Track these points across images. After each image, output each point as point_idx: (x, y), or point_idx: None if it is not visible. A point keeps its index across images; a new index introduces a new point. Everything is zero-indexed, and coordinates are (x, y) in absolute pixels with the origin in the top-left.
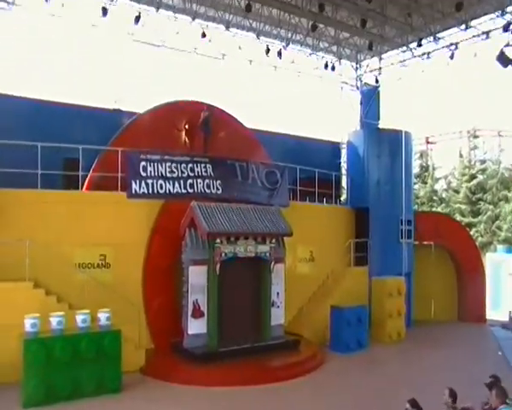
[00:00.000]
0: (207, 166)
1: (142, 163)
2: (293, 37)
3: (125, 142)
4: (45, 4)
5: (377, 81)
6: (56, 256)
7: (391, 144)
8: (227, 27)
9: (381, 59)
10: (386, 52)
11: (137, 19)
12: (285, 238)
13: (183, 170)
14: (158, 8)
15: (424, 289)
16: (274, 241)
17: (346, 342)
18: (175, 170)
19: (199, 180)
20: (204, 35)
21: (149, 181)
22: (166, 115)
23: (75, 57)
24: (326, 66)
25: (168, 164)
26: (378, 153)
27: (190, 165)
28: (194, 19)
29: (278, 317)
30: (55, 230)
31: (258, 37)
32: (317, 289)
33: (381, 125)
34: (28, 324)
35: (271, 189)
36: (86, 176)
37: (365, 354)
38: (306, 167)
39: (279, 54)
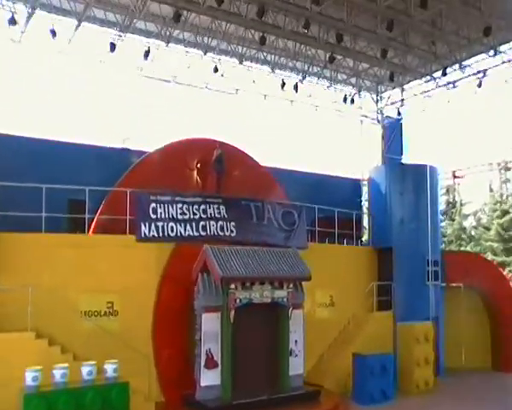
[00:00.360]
0: (221, 207)
1: (152, 205)
2: (310, 69)
3: (134, 182)
4: (52, 41)
5: (399, 114)
6: (61, 303)
7: (415, 180)
8: (240, 61)
9: (403, 90)
10: (408, 82)
11: (147, 54)
12: (303, 282)
13: (195, 211)
14: (168, 43)
15: (454, 334)
16: (292, 285)
17: (369, 393)
18: (186, 211)
19: (212, 222)
20: (216, 69)
21: (160, 223)
22: (177, 154)
23: (82, 95)
24: (345, 99)
25: (179, 205)
26: (401, 189)
27: (203, 206)
28: (205, 53)
29: (297, 366)
30: (59, 275)
31: (273, 70)
32: (338, 335)
33: (404, 160)
34: (29, 377)
35: (288, 230)
36: (93, 218)
37: (391, 406)
38: (325, 207)
39: (295, 87)
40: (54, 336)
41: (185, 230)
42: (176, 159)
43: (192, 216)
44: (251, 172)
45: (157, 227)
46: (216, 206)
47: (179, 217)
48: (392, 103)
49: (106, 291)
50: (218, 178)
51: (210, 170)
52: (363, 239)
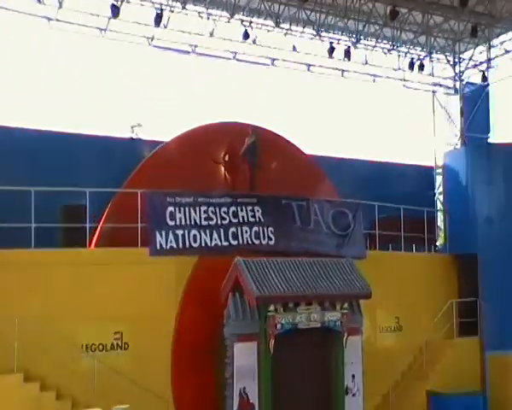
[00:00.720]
0: (255, 208)
1: (170, 208)
2: (366, 29)
3: (146, 180)
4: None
5: (485, 79)
6: (55, 337)
7: (507, 165)
8: (277, 23)
9: (490, 47)
10: (497, 37)
11: (158, 19)
12: (362, 301)
13: (224, 215)
14: (184, 4)
15: None
16: (347, 305)
17: None
18: (213, 216)
19: (244, 228)
20: (246, 35)
21: (179, 232)
22: (199, 143)
23: (78, 74)
24: (411, 65)
25: (204, 208)
26: (489, 178)
27: (233, 208)
28: (232, 15)
29: (355, 408)
30: (53, 301)
31: (318, 33)
32: (408, 368)
33: (491, 139)
34: None
35: (341, 235)
36: (95, 228)
37: None
38: (388, 204)
39: (347, 54)
40: (47, 379)
41: (211, 239)
42: (198, 150)
43: (220, 221)
44: (293, 164)
45: (176, 236)
46: (249, 207)
47: (204, 223)
48: (475, 66)
49: (112, 319)
50: (251, 172)
51: (241, 162)
52: (438, 244)
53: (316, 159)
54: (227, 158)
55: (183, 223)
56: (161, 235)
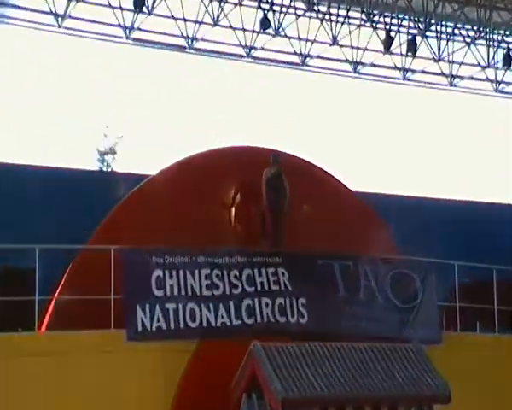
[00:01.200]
0: (280, 271)
1: (157, 272)
2: (439, 9)
3: (123, 231)
4: None
5: None
6: None
7: None
8: (309, 5)
9: None
10: None
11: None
12: (436, 407)
13: (235, 281)
14: None
15: None
16: None
17: None
18: (219, 282)
19: (264, 300)
20: (266, 22)
21: (170, 305)
22: (199, 177)
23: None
24: (508, 59)
25: (205, 271)
26: None
27: (248, 271)
28: None
29: None
30: None
31: (369, 17)
32: None
33: None
34: None
35: (405, 308)
36: (47, 301)
37: None
38: (473, 263)
39: (411, 46)
40: None
41: (216, 315)
42: (197, 187)
43: (229, 290)
44: (334, 205)
45: (166, 313)
46: (271, 270)
47: (205, 292)
48: None
49: None
50: (273, 218)
51: (259, 205)
52: None
53: (366, 197)
54: (239, 199)
55: (175, 293)
56: (144, 311)
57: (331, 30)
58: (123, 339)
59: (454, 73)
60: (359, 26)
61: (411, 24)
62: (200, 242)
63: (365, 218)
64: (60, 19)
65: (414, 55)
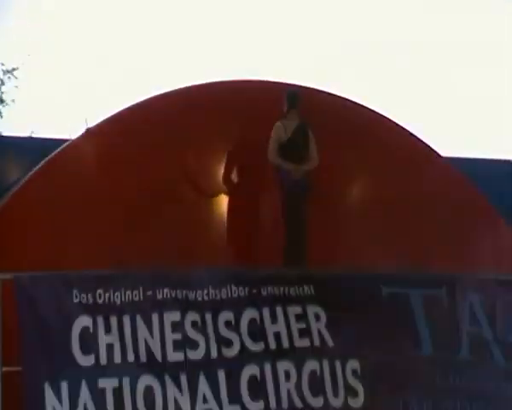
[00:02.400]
0: (312, 312)
1: (82, 320)
2: None
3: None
4: None
5: None
6: None
7: None
8: None
9: None
10: None
11: None
12: None
13: (227, 334)
14: None
15: None
16: None
17: None
18: (197, 336)
19: (283, 367)
20: None
21: (107, 383)
22: (155, 136)
23: None
24: None
25: (172, 316)
26: None
27: (251, 313)
28: None
29: None
30: None
31: None
32: None
33: None
34: None
35: None
36: None
37: None
38: None
39: None
40: None
41: (194, 401)
42: (151, 152)
43: (216, 351)
44: (417, 186)
45: (99, 396)
46: (296, 309)
47: (173, 357)
48: None
49: None
50: (293, 211)
51: (269, 185)
52: None
53: (466, 166)
54: (235, 177)
55: (117, 360)
56: (58, 393)
57: None
58: None
59: None
60: None
61: None
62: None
63: (473, 207)
64: None
65: None
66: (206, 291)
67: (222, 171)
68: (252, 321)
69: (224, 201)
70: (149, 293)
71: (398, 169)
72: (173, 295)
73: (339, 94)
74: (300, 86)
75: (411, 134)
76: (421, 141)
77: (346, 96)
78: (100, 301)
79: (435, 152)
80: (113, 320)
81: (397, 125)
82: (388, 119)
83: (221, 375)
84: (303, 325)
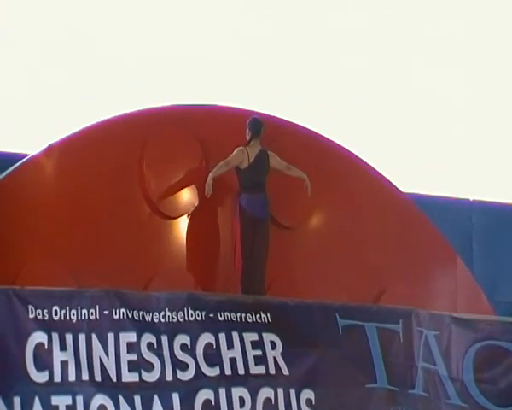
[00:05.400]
0: (267, 339)
1: (36, 336)
2: None
3: None
4: None
5: None
6: None
7: None
8: None
9: None
10: None
11: None
12: None
13: (183, 357)
14: None
15: None
16: None
17: None
18: (153, 358)
19: (238, 393)
20: None
21: (61, 400)
22: (116, 159)
23: None
24: None
25: (128, 337)
26: None
27: (207, 337)
28: None
29: None
30: None
31: None
32: None
33: None
34: None
35: None
36: None
37: None
38: None
39: None
40: None
41: None
42: (113, 178)
43: (171, 374)
44: (373, 216)
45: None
46: (252, 336)
47: (128, 377)
48: None
49: None
50: (251, 232)
51: (229, 210)
52: None
53: (423, 203)
54: (195, 200)
55: (71, 377)
56: (10, 405)
57: None
58: None
59: None
60: None
61: None
62: (119, 276)
63: (430, 244)
64: None
65: None
66: (163, 313)
67: (182, 192)
68: (208, 346)
69: (183, 224)
70: (106, 312)
71: (354, 202)
72: (130, 315)
73: (298, 123)
74: (263, 114)
75: (371, 168)
76: (381, 175)
77: (306, 126)
78: (56, 318)
79: (395, 187)
80: (69, 338)
81: (356, 157)
82: (347, 150)
83: (175, 398)
84: (259, 352)
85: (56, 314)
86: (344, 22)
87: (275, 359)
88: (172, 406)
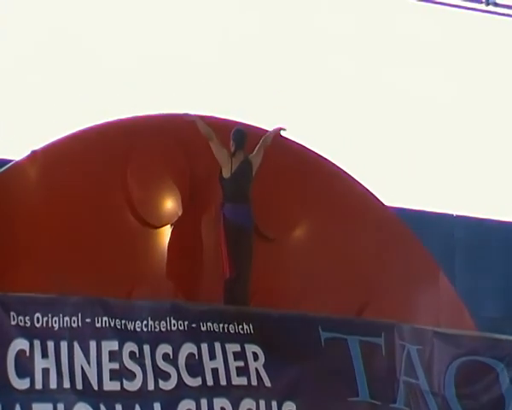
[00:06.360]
0: (250, 351)
1: (18, 343)
2: None
3: None
4: None
5: None
6: None
7: None
8: None
9: None
10: None
11: None
12: None
13: (165, 367)
14: None
15: None
16: None
17: None
18: (134, 367)
19: (220, 403)
20: None
21: (42, 408)
22: (98, 170)
23: None
24: None
25: (110, 345)
26: None
27: (189, 347)
28: None
29: None
30: None
31: None
32: None
33: None
34: None
35: None
36: None
37: None
38: None
39: None
40: None
41: None
42: (94, 186)
43: (153, 383)
44: (355, 230)
45: None
46: (234, 347)
47: (109, 386)
48: None
49: None
50: (235, 241)
51: (213, 219)
52: None
53: (411, 217)
54: (179, 209)
55: (53, 385)
56: None
57: None
58: None
59: None
60: None
61: None
62: (100, 287)
63: (414, 258)
64: None
65: None
66: (145, 322)
67: (166, 202)
68: (190, 356)
69: (167, 232)
70: (88, 320)
71: (338, 216)
72: (112, 324)
73: (283, 135)
74: (247, 125)
75: (355, 181)
76: (365, 189)
77: (291, 138)
78: (38, 325)
79: (379, 201)
80: (51, 345)
81: (341, 170)
82: (332, 163)
83: (157, 407)
84: (241, 363)
85: (38, 321)
86: (324, 29)
87: (257, 370)
88: None
